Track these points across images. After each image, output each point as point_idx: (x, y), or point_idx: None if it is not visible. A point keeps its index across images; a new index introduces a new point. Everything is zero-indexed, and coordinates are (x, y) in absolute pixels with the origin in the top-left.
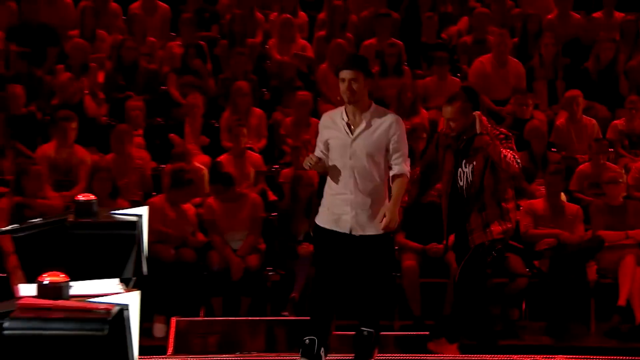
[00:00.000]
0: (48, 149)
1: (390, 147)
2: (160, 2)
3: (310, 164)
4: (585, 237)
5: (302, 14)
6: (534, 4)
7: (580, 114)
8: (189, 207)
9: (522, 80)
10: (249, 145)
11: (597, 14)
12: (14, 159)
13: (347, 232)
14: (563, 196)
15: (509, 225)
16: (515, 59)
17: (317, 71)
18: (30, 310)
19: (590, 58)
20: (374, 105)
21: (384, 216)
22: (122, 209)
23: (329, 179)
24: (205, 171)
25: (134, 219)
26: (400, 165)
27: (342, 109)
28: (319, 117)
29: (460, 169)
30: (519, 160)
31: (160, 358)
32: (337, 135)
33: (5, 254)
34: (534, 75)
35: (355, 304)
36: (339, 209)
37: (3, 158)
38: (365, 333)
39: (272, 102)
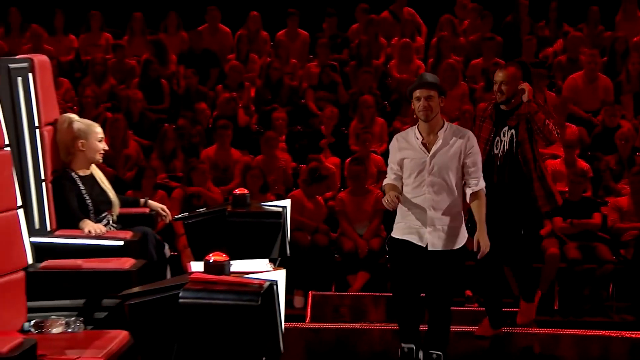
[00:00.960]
0: (210, 151)
1: (467, 162)
2: (301, 30)
3: (388, 201)
4: None
5: (419, 39)
6: (621, 28)
7: None
8: (322, 200)
9: (611, 94)
10: (372, 149)
11: None
12: (184, 160)
13: (424, 245)
14: None
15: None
16: (604, 76)
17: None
18: (199, 284)
19: None
20: (447, 123)
21: (478, 244)
22: (270, 201)
23: (405, 196)
24: (336, 170)
25: (279, 209)
26: (478, 180)
27: (413, 129)
28: None
29: (497, 137)
30: (558, 131)
31: (300, 325)
32: (413, 154)
33: (177, 236)
34: (621, 89)
35: (421, 322)
36: (416, 224)
37: (175, 159)
38: (434, 356)
39: (392, 113)
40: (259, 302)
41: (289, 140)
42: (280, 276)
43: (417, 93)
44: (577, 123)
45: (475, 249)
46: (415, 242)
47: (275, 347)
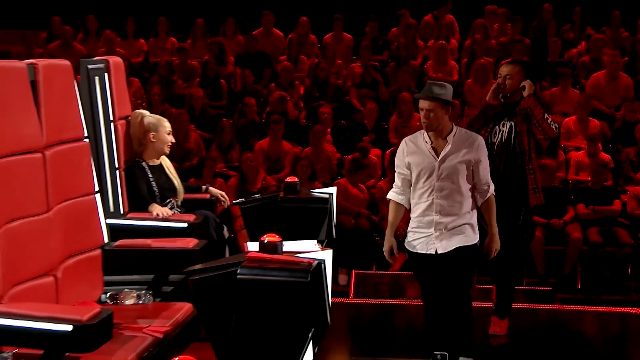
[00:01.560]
0: (264, 143)
1: (477, 167)
2: (346, 34)
3: (389, 255)
4: None
5: (453, 41)
6: None
7: None
8: (364, 188)
9: (631, 91)
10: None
11: None
12: (241, 151)
13: (433, 253)
14: None
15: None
16: (625, 74)
17: (464, 85)
18: (255, 262)
19: None
20: (456, 128)
21: (491, 246)
22: (317, 188)
23: (413, 200)
24: (377, 160)
25: (326, 195)
26: (488, 185)
27: (422, 132)
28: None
29: (497, 127)
30: (557, 125)
31: (344, 300)
32: (422, 159)
33: (234, 219)
34: None
35: (445, 330)
36: (424, 230)
37: (232, 150)
38: None
39: None
40: (309, 279)
41: (334, 133)
42: (327, 256)
43: (420, 104)
44: (599, 118)
45: (484, 252)
46: (425, 252)
47: (323, 320)
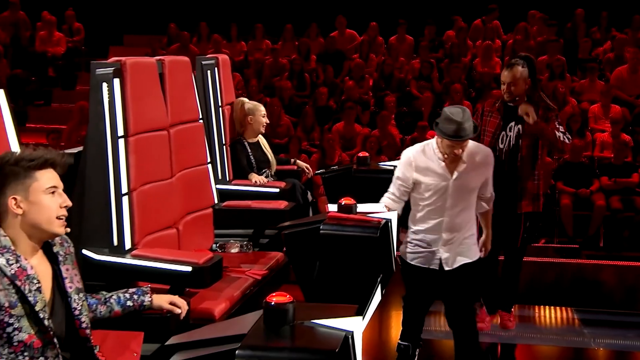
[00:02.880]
0: (340, 126)
1: (487, 181)
2: (408, 36)
3: None
4: None
5: (497, 41)
6: None
7: None
8: None
9: None
10: None
11: None
12: (320, 132)
13: (437, 268)
14: None
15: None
16: None
17: None
18: (334, 220)
19: None
20: (467, 141)
21: (483, 248)
22: (384, 162)
23: (417, 215)
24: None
25: (391, 167)
26: (491, 192)
27: (431, 146)
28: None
29: (503, 132)
30: (569, 136)
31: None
32: (433, 179)
33: (315, 187)
34: None
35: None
36: (427, 247)
37: (313, 131)
38: None
39: (475, 97)
40: (378, 234)
41: (397, 117)
42: (392, 216)
43: (450, 142)
44: (621, 105)
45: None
46: (426, 266)
47: (389, 267)
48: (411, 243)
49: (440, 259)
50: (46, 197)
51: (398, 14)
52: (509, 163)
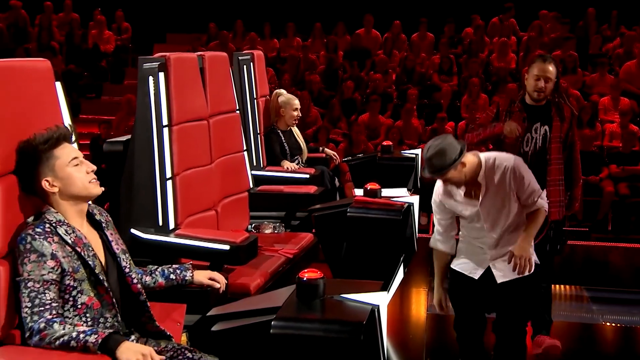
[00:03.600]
0: (365, 117)
1: (519, 190)
2: (429, 33)
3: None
4: None
5: (513, 38)
6: None
7: None
8: None
9: None
10: (477, 116)
11: None
12: (347, 123)
13: (476, 278)
14: None
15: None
16: None
17: (522, 72)
18: (360, 203)
19: None
20: (481, 163)
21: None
22: (406, 150)
23: (464, 223)
24: (450, 130)
25: (413, 155)
26: (536, 202)
27: (451, 190)
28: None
29: (529, 134)
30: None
31: (424, 235)
32: (461, 210)
33: (342, 173)
34: None
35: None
36: (476, 257)
37: (339, 122)
38: None
39: (492, 91)
40: (401, 217)
41: (419, 109)
42: (414, 200)
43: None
44: (630, 97)
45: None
46: (476, 277)
47: (411, 247)
48: (460, 251)
49: (494, 273)
50: (72, 169)
51: (420, 13)
52: (535, 167)
